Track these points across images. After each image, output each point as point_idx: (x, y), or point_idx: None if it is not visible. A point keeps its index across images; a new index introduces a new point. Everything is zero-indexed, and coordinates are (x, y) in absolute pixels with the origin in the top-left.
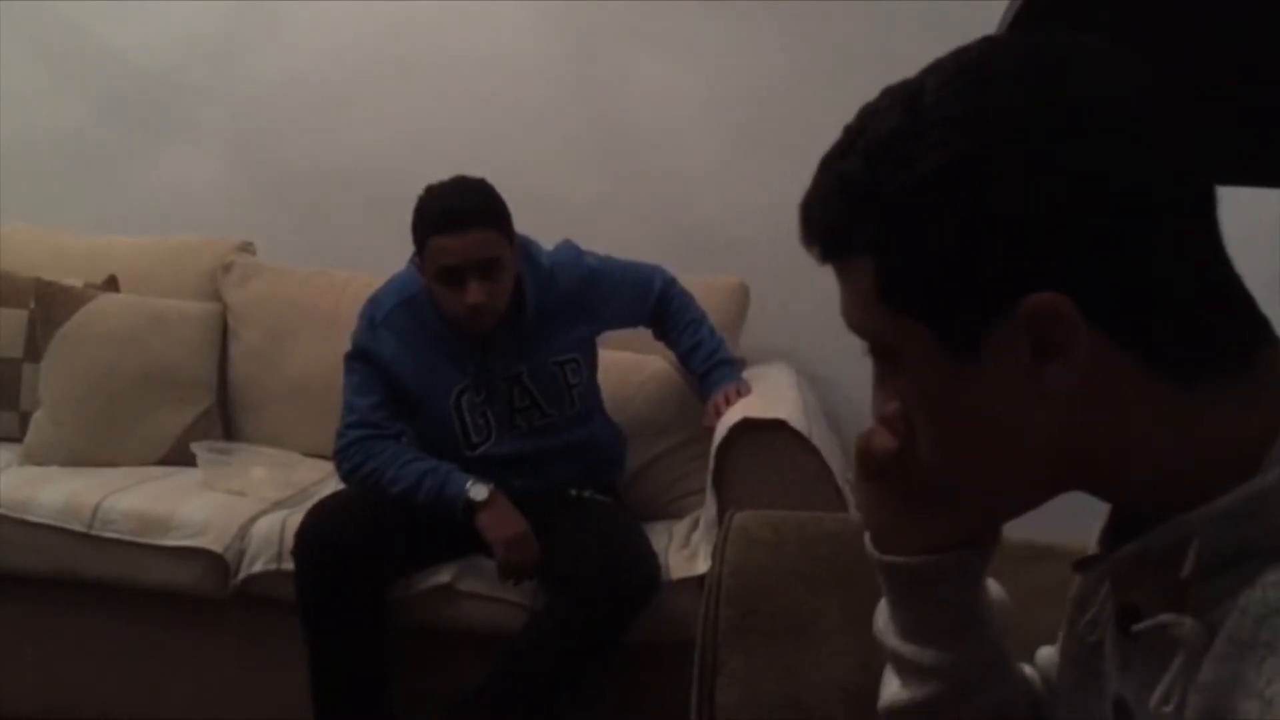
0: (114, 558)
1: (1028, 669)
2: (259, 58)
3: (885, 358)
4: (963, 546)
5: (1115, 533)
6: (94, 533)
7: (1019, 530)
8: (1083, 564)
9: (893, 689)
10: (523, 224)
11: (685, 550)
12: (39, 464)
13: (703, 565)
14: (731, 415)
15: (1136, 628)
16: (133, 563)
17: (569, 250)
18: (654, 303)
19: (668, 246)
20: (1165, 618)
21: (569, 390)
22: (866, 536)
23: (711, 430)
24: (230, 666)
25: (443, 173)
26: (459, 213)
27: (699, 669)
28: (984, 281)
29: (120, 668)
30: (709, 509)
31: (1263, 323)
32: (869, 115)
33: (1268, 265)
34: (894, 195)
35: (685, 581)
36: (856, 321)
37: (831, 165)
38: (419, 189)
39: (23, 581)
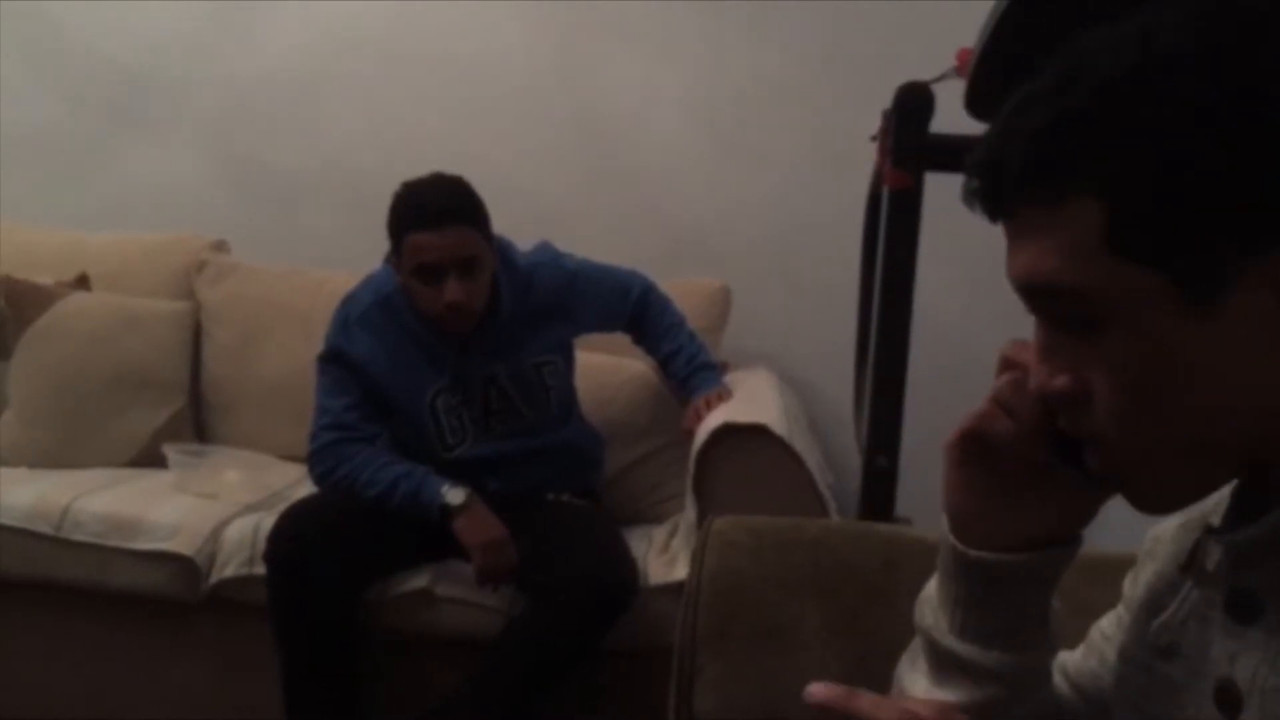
0: (83, 560)
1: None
2: (235, 54)
3: (1081, 319)
4: (1052, 546)
5: (1240, 513)
6: (63, 535)
7: None
8: (1219, 531)
9: (922, 688)
10: (500, 223)
11: (664, 556)
12: (7, 465)
13: (682, 571)
14: (712, 420)
15: None
16: (102, 566)
17: (547, 252)
18: (632, 306)
19: (649, 248)
20: None
21: (546, 393)
22: (949, 528)
23: (692, 434)
24: (201, 671)
25: (420, 171)
26: (438, 210)
27: (677, 675)
28: (1240, 222)
29: (89, 672)
30: (689, 514)
31: None
32: (1087, 53)
33: None
34: (1139, 132)
35: (664, 587)
36: (1059, 275)
37: (1044, 102)
38: (396, 187)
39: None
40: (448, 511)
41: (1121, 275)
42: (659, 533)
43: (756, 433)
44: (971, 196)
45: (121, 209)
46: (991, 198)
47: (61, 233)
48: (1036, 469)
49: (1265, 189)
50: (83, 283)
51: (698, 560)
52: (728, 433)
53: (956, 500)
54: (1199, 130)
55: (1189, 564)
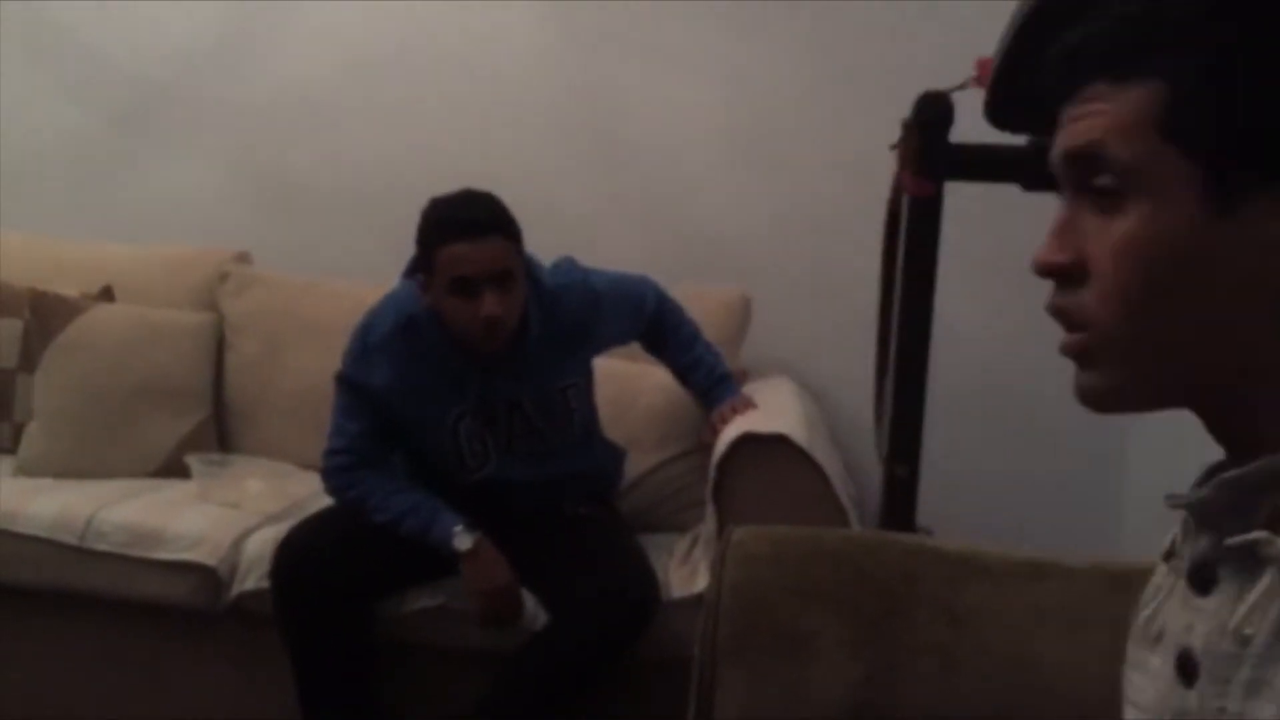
0: (106, 571)
1: None
2: (257, 67)
3: (1107, 191)
4: None
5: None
6: (86, 545)
7: (1023, 544)
8: (1180, 498)
9: None
10: (524, 234)
11: (685, 567)
12: (32, 475)
13: (702, 582)
14: (732, 430)
15: (1230, 542)
16: (125, 576)
17: (572, 271)
18: (648, 319)
19: (669, 257)
20: (1257, 534)
21: (570, 416)
22: None
23: (712, 444)
24: (222, 682)
25: (442, 183)
26: (474, 221)
27: (697, 686)
28: None
29: (111, 682)
30: (709, 524)
31: None
32: None
33: None
34: (1216, 29)
35: (685, 600)
36: (1103, 142)
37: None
38: (418, 199)
39: (13, 594)
40: (456, 555)
41: (1159, 156)
42: (680, 544)
43: (777, 442)
44: (1059, 68)
45: (145, 221)
46: (1065, 77)
47: (86, 245)
48: None
49: None
50: (107, 295)
51: (718, 571)
52: (748, 442)
53: None
54: (1265, 37)
55: (1169, 553)
